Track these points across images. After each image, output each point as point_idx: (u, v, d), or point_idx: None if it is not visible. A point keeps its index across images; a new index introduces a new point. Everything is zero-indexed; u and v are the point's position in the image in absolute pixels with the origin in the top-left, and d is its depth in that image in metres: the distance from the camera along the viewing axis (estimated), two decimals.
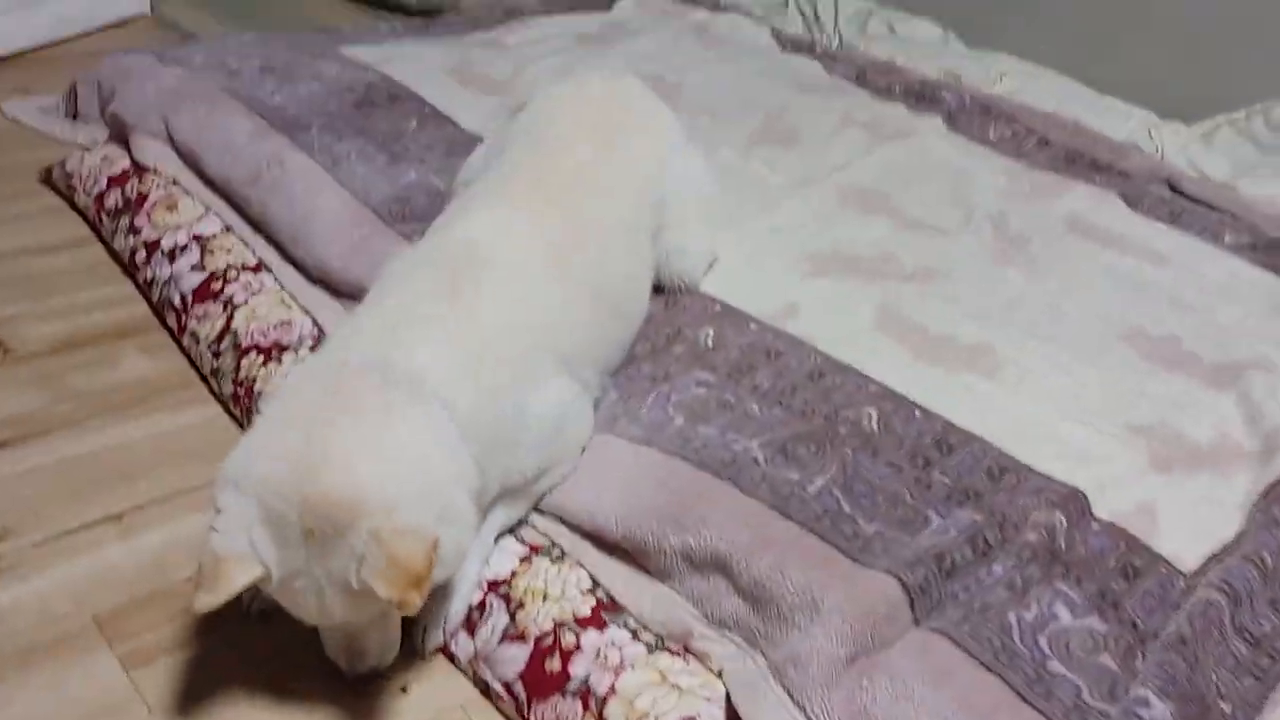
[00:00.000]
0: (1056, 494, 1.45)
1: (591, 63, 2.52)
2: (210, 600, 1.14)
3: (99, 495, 1.55)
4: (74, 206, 2.17)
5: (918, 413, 1.58)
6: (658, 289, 1.79)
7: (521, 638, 1.34)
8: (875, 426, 1.54)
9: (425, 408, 1.24)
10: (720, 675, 1.29)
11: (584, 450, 1.50)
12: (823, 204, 2.10)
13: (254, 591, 1.36)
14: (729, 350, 1.68)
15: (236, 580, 1.14)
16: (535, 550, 1.44)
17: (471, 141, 2.03)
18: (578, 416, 1.49)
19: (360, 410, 1.21)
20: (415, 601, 1.12)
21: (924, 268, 1.95)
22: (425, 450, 1.22)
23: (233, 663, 1.33)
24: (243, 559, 1.15)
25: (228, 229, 1.95)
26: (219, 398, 1.74)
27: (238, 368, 1.70)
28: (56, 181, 2.20)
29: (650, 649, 1.32)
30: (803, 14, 3.12)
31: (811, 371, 1.64)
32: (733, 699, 1.24)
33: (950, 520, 1.39)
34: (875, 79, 2.71)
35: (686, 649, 1.32)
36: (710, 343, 1.70)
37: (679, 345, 1.69)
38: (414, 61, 2.43)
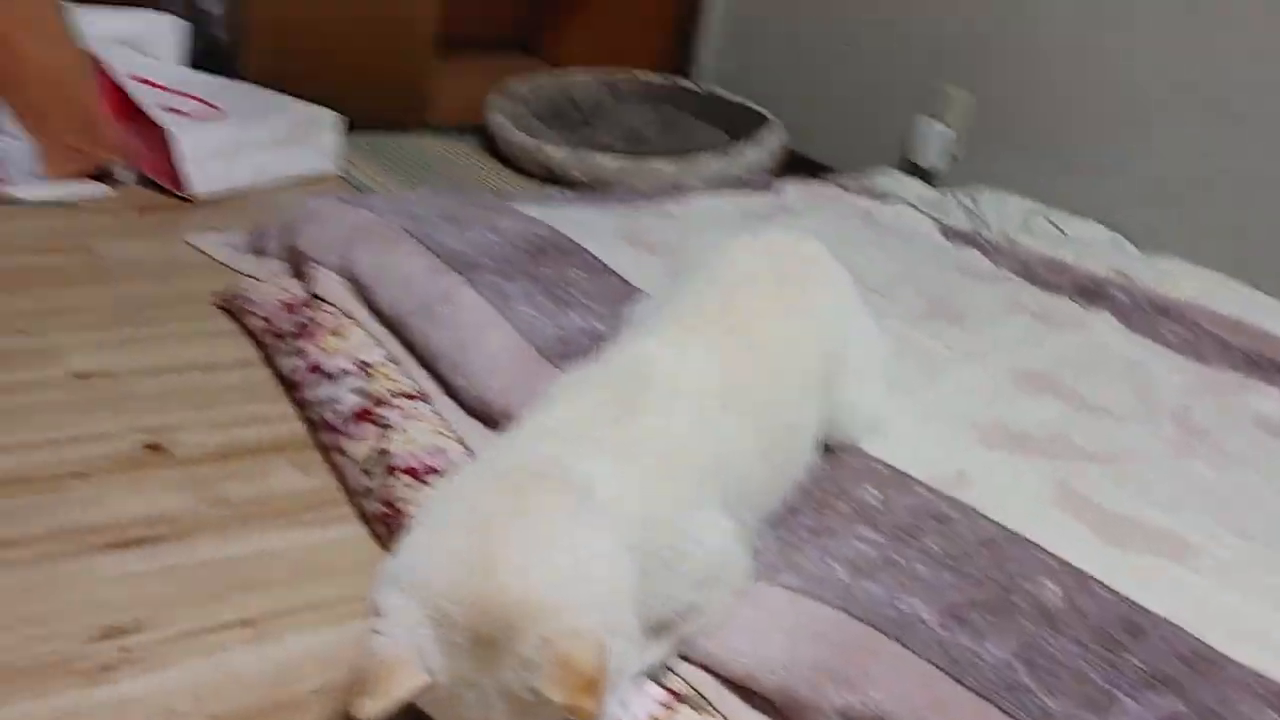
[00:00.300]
0: (1269, 689, 1.28)
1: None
2: (374, 708, 1.05)
3: (234, 599, 1.51)
4: (245, 330, 2.23)
5: (1102, 591, 1.45)
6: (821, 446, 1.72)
7: None
8: (1057, 601, 1.42)
9: (597, 517, 1.19)
10: None
11: (737, 596, 1.41)
12: (992, 379, 2.03)
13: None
14: (895, 512, 1.58)
15: (403, 685, 1.06)
16: (678, 697, 1.34)
17: (636, 294, 2.04)
18: (736, 557, 1.41)
19: (535, 512, 1.15)
20: (589, 707, 1.03)
21: (1101, 451, 1.84)
22: (597, 558, 1.15)
23: None
24: (409, 665, 1.07)
25: (392, 360, 1.97)
26: (365, 517, 1.71)
27: (387, 488, 1.68)
28: (231, 306, 2.28)
29: None
30: (965, 208, 3.12)
31: (985, 540, 1.53)
32: None
33: (1146, 706, 1.24)
34: (1042, 273, 2.66)
35: None
36: (875, 502, 1.61)
37: (841, 502, 1.60)
38: (583, 222, 2.48)
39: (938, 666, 1.26)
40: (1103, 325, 2.39)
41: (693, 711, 1.32)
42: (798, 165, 3.66)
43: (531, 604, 1.08)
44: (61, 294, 2.29)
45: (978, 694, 1.22)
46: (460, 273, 2.06)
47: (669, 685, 1.36)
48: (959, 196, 3.17)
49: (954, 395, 1.95)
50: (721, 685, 1.35)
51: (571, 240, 2.35)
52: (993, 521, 1.58)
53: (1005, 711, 1.20)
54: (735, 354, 1.50)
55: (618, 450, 1.28)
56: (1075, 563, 1.50)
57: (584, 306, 2.05)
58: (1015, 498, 1.65)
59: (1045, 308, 2.44)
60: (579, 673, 1.04)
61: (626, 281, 2.20)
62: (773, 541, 1.51)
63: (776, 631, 1.34)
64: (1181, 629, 1.39)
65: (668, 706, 1.32)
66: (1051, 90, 3.23)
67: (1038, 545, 1.53)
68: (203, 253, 2.57)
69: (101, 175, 2.87)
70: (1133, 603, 1.43)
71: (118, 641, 1.41)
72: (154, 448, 1.82)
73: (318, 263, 2.21)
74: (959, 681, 1.24)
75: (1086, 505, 1.66)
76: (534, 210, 2.52)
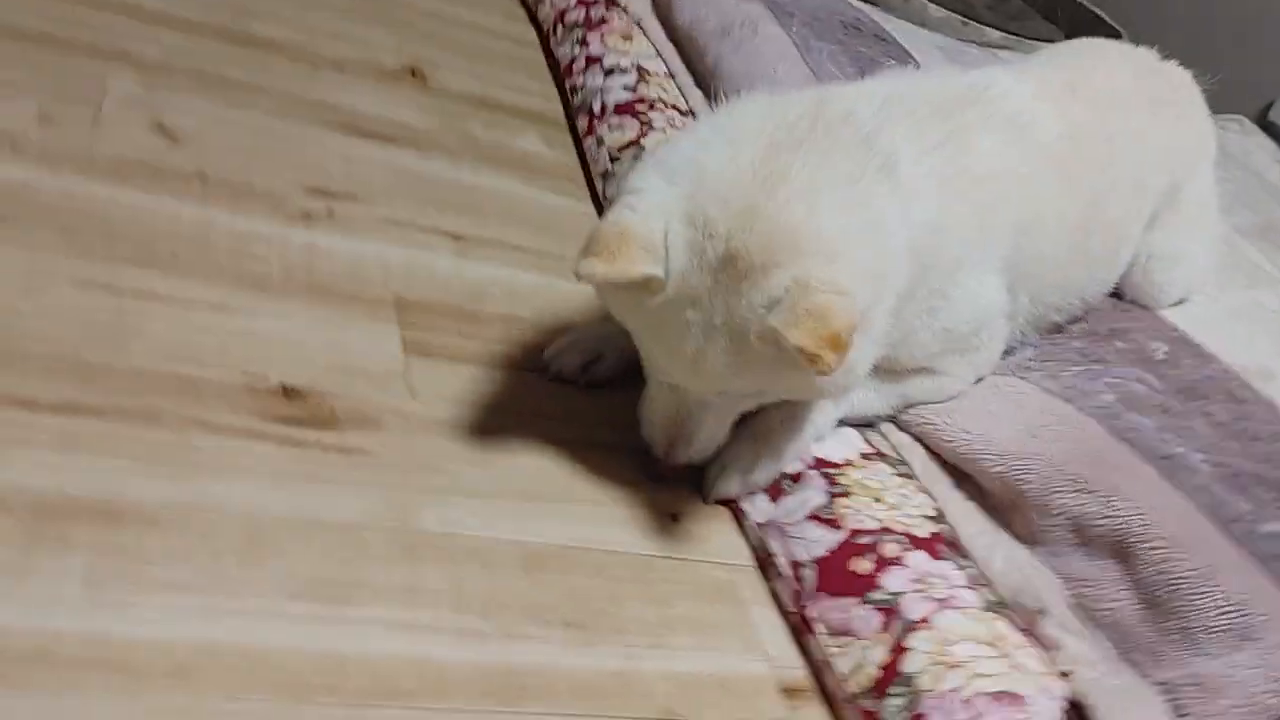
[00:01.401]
0: None
1: None
2: (601, 271, 0.91)
3: (451, 213, 1.41)
4: (533, 19, 2.12)
5: None
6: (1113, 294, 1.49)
7: (834, 524, 1.06)
8: None
9: (895, 189, 1.01)
10: (1066, 676, 0.96)
11: (980, 380, 1.22)
12: None
13: (594, 355, 1.17)
14: (1183, 371, 1.34)
15: (637, 266, 0.92)
16: (880, 455, 1.16)
17: None
18: (994, 334, 1.21)
19: (833, 150, 0.98)
20: (829, 362, 0.86)
21: None
22: (885, 226, 0.98)
23: (508, 404, 1.14)
24: (652, 249, 0.93)
25: (670, 75, 1.83)
26: (597, 198, 1.59)
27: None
28: None
29: (988, 608, 1.00)
30: None
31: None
32: (1091, 710, 0.91)
33: None
34: None
35: (1029, 632, 1.00)
36: (1161, 355, 1.37)
37: (1122, 342, 1.37)
38: (907, 29, 2.28)
39: (1203, 511, 1.04)
40: None
41: (891, 470, 1.14)
42: None
43: (807, 237, 0.92)
44: None
45: (1245, 550, 1.00)
46: (769, 8, 1.88)
47: (873, 442, 1.19)
48: None
49: (1274, 309, 1.66)
50: (930, 457, 1.17)
51: (893, 36, 2.14)
52: None
53: (1276, 576, 0.97)
54: (1083, 123, 1.28)
55: (931, 148, 1.09)
56: None
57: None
58: None
59: None
60: (830, 326, 0.87)
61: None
62: (1032, 350, 1.30)
63: (1015, 424, 1.14)
64: None
65: (866, 456, 1.15)
66: None
67: None
68: None
69: None
70: None
71: (328, 202, 1.33)
72: (415, 73, 1.73)
73: None
74: (1225, 533, 1.02)
75: None
76: (868, 9, 2.31)
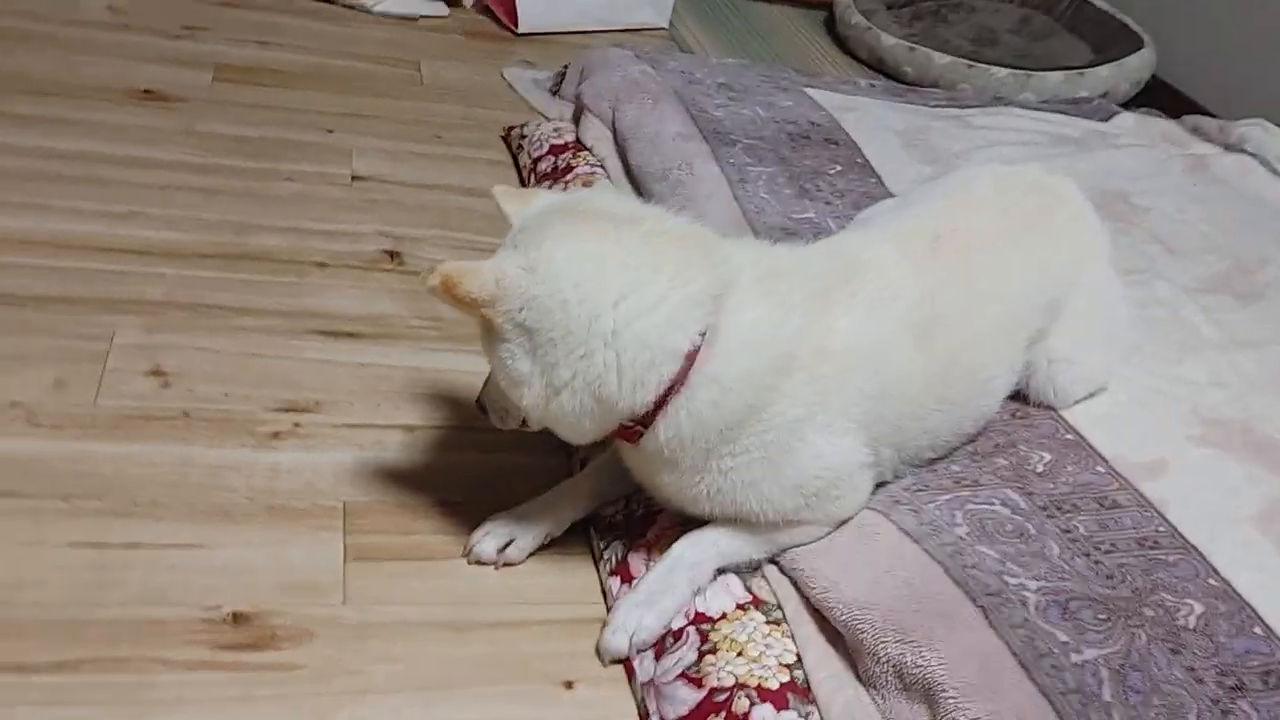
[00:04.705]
0: None
1: (1053, 164, 2.32)
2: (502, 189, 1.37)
3: (407, 403, 1.64)
4: (516, 165, 2.34)
5: (1257, 629, 1.27)
6: (1015, 397, 1.60)
7: (698, 683, 1.24)
8: (1192, 622, 1.26)
9: (687, 317, 1.20)
10: None
11: (845, 523, 1.37)
12: (1257, 372, 1.78)
13: (508, 539, 1.42)
14: (1058, 482, 1.46)
15: (513, 203, 1.34)
16: (756, 603, 1.33)
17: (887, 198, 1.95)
18: (853, 488, 1.36)
19: (643, 264, 1.21)
20: (430, 279, 1.18)
21: None
22: (617, 310, 1.18)
23: (430, 597, 1.35)
24: (517, 211, 1.32)
25: None
26: None
27: None
28: (511, 140, 2.39)
29: None
30: None
31: (1145, 538, 1.39)
32: None
33: None
34: None
35: None
36: (1041, 468, 1.48)
37: (1004, 459, 1.50)
38: (870, 117, 2.38)
39: (1011, 650, 1.17)
40: None
41: (764, 618, 1.31)
42: (1161, 97, 3.28)
43: (530, 245, 1.24)
44: (375, 102, 2.49)
45: (1040, 691, 1.13)
46: (709, 143, 2.05)
47: (753, 589, 1.35)
48: None
49: (1197, 383, 1.73)
50: (804, 605, 1.32)
51: (847, 134, 2.27)
52: (1167, 522, 1.42)
53: (1061, 717, 1.10)
54: (943, 279, 1.41)
55: (794, 325, 1.27)
56: (1242, 590, 1.32)
57: (825, 203, 1.99)
58: (1209, 503, 1.46)
59: None
60: (456, 278, 1.18)
61: (884, 185, 2.10)
62: (910, 478, 1.44)
63: (867, 567, 1.29)
64: None
65: (741, 608, 1.32)
66: None
67: (1205, 560, 1.36)
68: (509, 85, 2.71)
69: None
70: None
71: (295, 416, 1.58)
72: (392, 254, 1.97)
73: (591, 111, 2.27)
74: (1027, 672, 1.15)
75: None
76: (824, 96, 2.44)
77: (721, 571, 1.36)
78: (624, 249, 1.21)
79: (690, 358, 1.20)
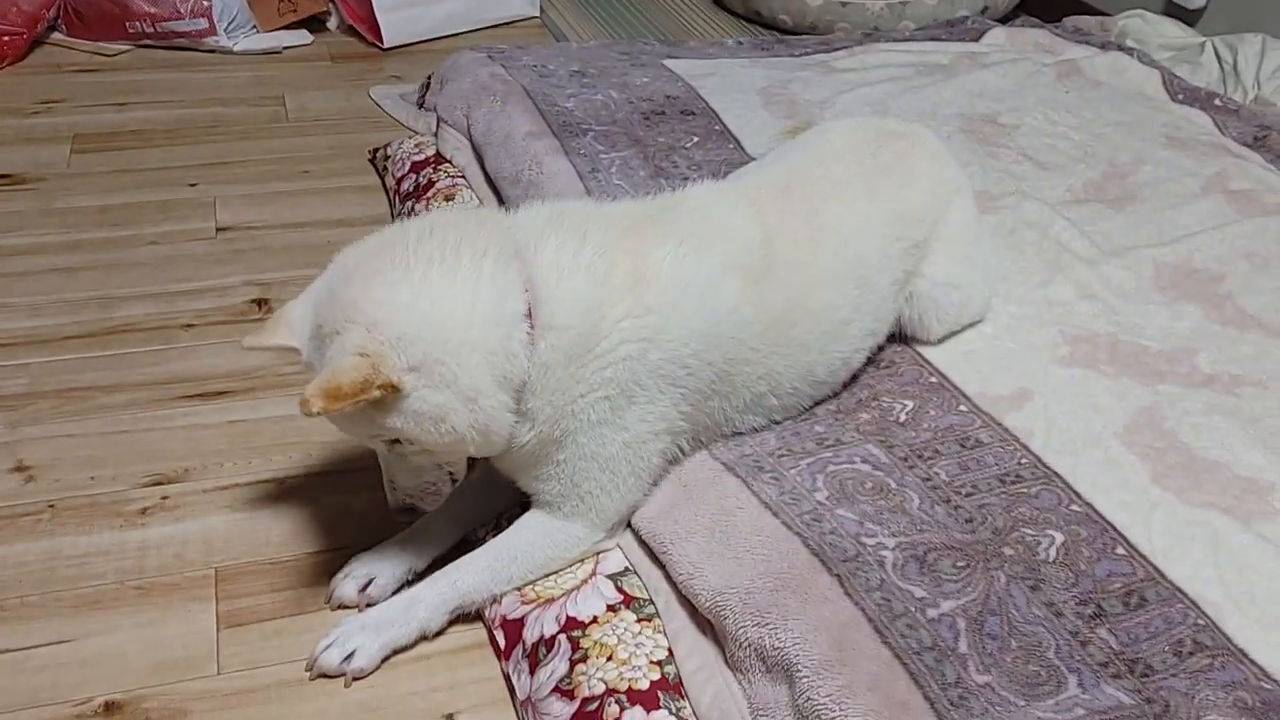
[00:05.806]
0: (1264, 694, 1.09)
1: (919, 96, 2.30)
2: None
3: (278, 455, 1.63)
4: (385, 188, 2.31)
5: (1119, 549, 1.27)
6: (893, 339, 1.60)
7: (570, 695, 1.23)
8: (1053, 554, 1.26)
9: (505, 279, 1.22)
10: None
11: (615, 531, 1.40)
12: (1126, 281, 1.77)
13: (368, 579, 1.41)
14: (920, 430, 1.45)
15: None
16: (628, 602, 1.32)
17: (746, 164, 1.93)
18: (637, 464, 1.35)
19: (439, 257, 1.21)
20: (311, 406, 1.11)
21: (1227, 374, 1.57)
22: (456, 304, 1.19)
23: (303, 652, 1.34)
24: (291, 324, 1.27)
25: None
26: None
27: None
28: (377, 162, 2.37)
29: None
30: (1220, 61, 2.67)
31: (1007, 474, 1.38)
32: None
33: (1092, 694, 1.10)
34: (1278, 143, 2.25)
35: None
36: (904, 416, 1.47)
37: (867, 412, 1.49)
38: (730, 80, 2.36)
39: (866, 615, 1.16)
40: None
41: (635, 618, 1.30)
42: (1052, 2, 3.25)
43: (355, 309, 1.18)
44: (239, 146, 2.47)
45: (895, 654, 1.12)
46: (558, 137, 2.02)
47: (625, 587, 1.35)
48: (1217, 45, 2.72)
49: (1064, 300, 1.71)
50: (674, 594, 1.32)
51: (705, 102, 2.24)
52: (1029, 451, 1.41)
53: (914, 678, 1.10)
54: (782, 225, 1.41)
55: (592, 256, 1.28)
56: (1105, 511, 1.32)
57: (683, 178, 1.97)
58: (1073, 425, 1.46)
59: (1257, 186, 2.07)
60: (334, 381, 1.13)
61: (743, 149, 2.08)
62: (774, 440, 1.43)
63: (728, 548, 1.28)
64: (1199, 608, 1.20)
65: (612, 609, 1.31)
66: None
67: (1068, 485, 1.36)
68: (377, 104, 2.68)
69: (311, 21, 3.02)
70: (1153, 568, 1.25)
71: (162, 489, 1.56)
72: (260, 303, 1.96)
73: (446, 121, 2.24)
74: (881, 637, 1.14)
75: (1165, 440, 1.44)
76: (684, 65, 2.42)
77: (459, 612, 1.35)
78: (419, 256, 1.22)
79: (529, 316, 1.24)
